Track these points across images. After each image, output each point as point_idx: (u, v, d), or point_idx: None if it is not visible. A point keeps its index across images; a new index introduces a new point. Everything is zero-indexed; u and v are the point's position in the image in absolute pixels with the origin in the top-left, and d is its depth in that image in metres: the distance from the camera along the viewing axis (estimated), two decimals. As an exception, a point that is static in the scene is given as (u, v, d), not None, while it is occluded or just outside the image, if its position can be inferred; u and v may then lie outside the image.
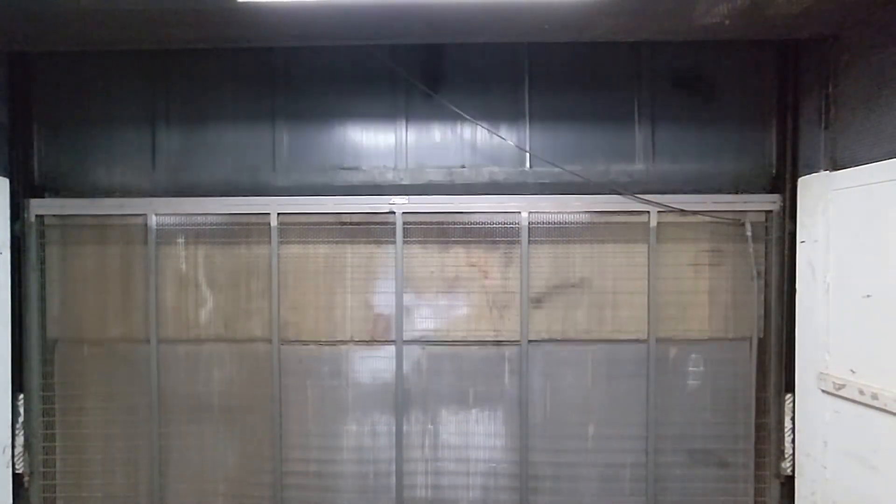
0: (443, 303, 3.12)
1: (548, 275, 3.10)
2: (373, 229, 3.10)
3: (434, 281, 3.11)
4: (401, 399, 3.11)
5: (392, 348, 3.11)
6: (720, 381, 3.10)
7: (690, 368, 3.10)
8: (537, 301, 3.10)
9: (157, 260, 3.10)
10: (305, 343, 3.13)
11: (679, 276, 3.09)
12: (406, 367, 3.11)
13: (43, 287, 3.11)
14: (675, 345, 3.09)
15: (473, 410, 3.13)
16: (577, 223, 3.08)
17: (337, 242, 3.11)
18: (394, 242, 3.07)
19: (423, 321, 3.12)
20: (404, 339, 3.10)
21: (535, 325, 3.10)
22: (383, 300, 3.11)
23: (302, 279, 3.12)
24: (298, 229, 3.09)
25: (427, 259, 3.11)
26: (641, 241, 3.07)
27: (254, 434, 3.13)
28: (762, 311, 3.07)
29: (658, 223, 3.04)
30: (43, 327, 3.11)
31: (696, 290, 3.09)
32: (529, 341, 3.09)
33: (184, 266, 3.13)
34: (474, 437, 3.13)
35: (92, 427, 3.14)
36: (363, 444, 3.14)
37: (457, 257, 3.11)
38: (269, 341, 3.09)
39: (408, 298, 3.10)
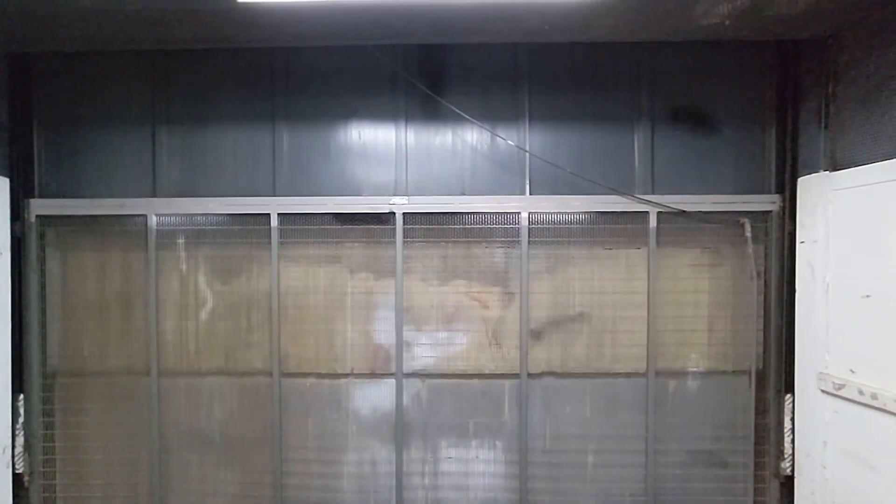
0: (443, 335, 3.13)
1: (548, 301, 3.11)
2: (373, 230, 3.09)
3: (434, 309, 3.12)
4: (401, 431, 3.12)
5: (392, 381, 3.12)
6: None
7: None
8: (537, 334, 3.11)
9: (157, 262, 3.09)
10: (306, 375, 3.14)
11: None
12: (406, 398, 3.13)
13: (43, 287, 3.11)
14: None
15: (473, 442, 3.14)
16: (576, 223, 3.08)
17: (336, 243, 3.11)
18: (394, 241, 3.07)
19: (423, 354, 3.12)
20: (404, 371, 3.12)
21: (535, 353, 3.11)
22: (383, 329, 3.13)
23: (302, 309, 3.12)
24: (298, 231, 3.09)
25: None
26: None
27: (254, 464, 3.14)
28: (761, 312, 3.07)
29: (657, 225, 3.04)
30: (43, 325, 3.11)
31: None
32: (529, 375, 3.10)
33: (184, 267, 3.13)
34: (474, 475, 3.14)
35: (92, 419, 3.15)
36: (363, 475, 3.14)
37: (456, 292, 3.12)
38: (270, 374, 3.11)
39: (408, 331, 3.12)
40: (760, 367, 3.08)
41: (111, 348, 3.13)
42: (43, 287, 3.11)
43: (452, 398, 3.14)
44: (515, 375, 3.11)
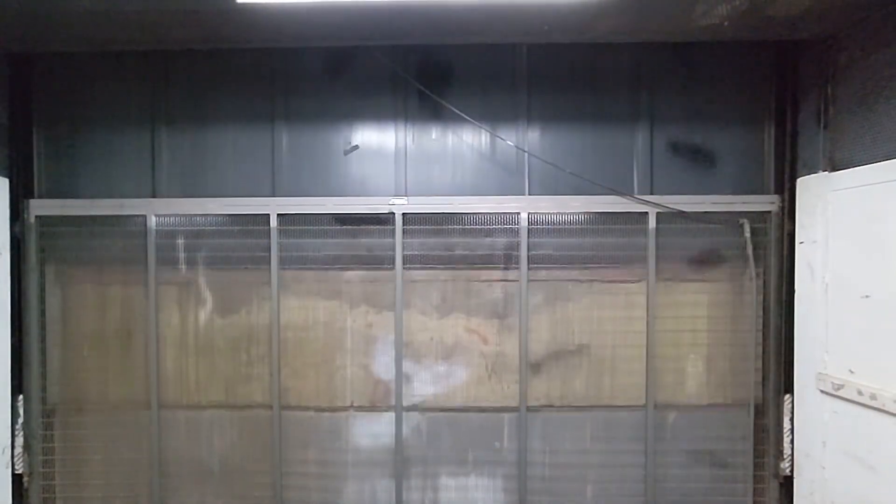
0: (442, 369, 3.13)
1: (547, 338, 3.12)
2: (372, 231, 3.09)
3: (433, 345, 3.14)
4: (401, 464, 3.12)
5: (392, 414, 3.13)
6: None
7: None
8: (536, 366, 3.12)
9: (156, 263, 3.09)
10: (306, 409, 3.14)
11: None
12: (405, 430, 3.14)
13: (42, 288, 3.11)
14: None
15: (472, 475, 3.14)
16: (575, 224, 3.08)
17: (337, 238, 3.11)
18: (393, 241, 3.07)
19: (421, 390, 3.13)
20: (404, 405, 3.13)
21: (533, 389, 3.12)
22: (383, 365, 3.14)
23: (302, 343, 3.13)
24: (297, 231, 3.09)
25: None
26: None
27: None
28: (760, 312, 3.07)
29: (657, 225, 3.04)
30: (42, 327, 3.11)
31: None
32: (528, 408, 3.10)
33: (183, 268, 3.13)
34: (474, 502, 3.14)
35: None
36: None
37: (455, 326, 3.13)
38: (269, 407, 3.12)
39: (407, 365, 3.12)
40: (760, 402, 3.09)
41: (112, 349, 3.15)
42: (42, 288, 3.11)
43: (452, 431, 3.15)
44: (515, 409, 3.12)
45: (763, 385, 3.09)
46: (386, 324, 3.12)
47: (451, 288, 3.12)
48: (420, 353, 3.13)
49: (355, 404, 3.14)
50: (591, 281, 3.09)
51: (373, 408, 3.14)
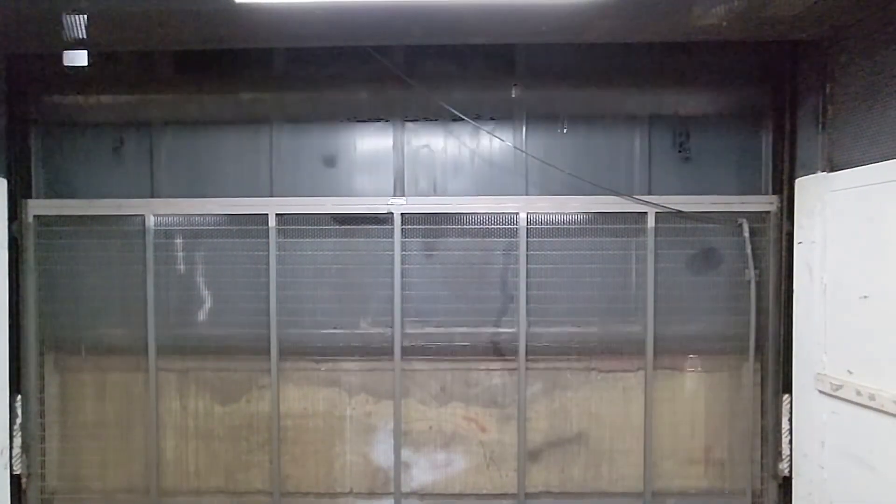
0: (441, 456, 3.12)
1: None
2: (371, 230, 3.09)
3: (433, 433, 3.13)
4: None
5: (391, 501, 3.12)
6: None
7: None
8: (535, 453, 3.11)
9: (154, 263, 3.09)
10: (305, 495, 3.14)
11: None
12: None
13: (40, 289, 3.11)
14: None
15: None
16: (574, 223, 3.08)
17: (335, 238, 3.11)
18: (392, 241, 3.07)
19: (423, 474, 3.13)
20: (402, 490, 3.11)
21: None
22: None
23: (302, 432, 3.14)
24: (296, 231, 3.09)
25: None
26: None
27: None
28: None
29: (655, 225, 3.04)
30: (41, 329, 3.11)
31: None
32: (527, 495, 3.10)
33: (182, 268, 3.13)
34: None
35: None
36: None
37: (454, 415, 3.12)
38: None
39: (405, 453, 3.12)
40: (759, 487, 3.10)
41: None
42: (40, 289, 3.11)
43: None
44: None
45: (762, 389, 3.09)
46: (385, 411, 3.11)
47: (451, 378, 3.11)
48: (419, 442, 3.12)
49: (354, 490, 3.14)
50: (589, 370, 3.10)
51: (373, 494, 3.13)
